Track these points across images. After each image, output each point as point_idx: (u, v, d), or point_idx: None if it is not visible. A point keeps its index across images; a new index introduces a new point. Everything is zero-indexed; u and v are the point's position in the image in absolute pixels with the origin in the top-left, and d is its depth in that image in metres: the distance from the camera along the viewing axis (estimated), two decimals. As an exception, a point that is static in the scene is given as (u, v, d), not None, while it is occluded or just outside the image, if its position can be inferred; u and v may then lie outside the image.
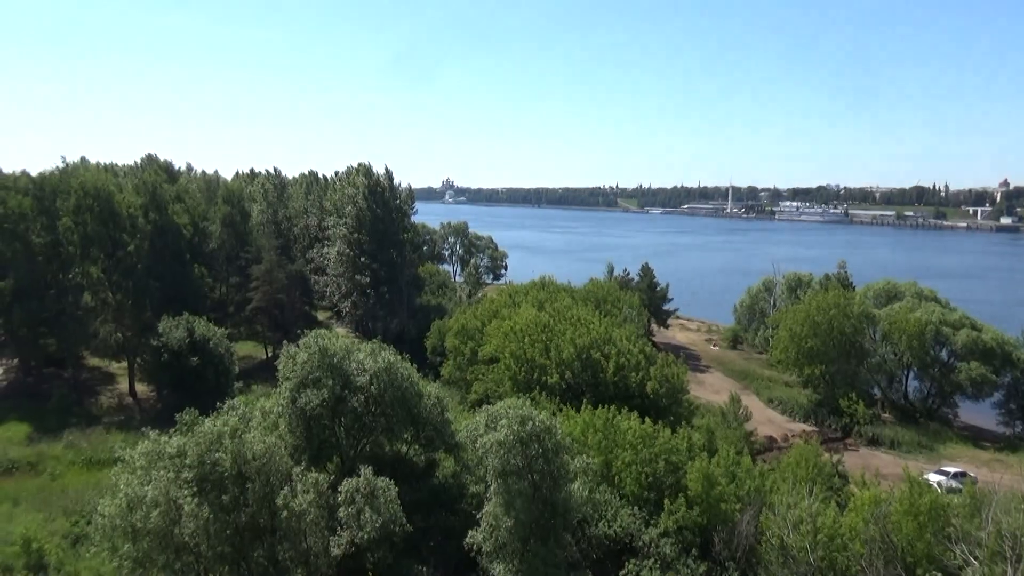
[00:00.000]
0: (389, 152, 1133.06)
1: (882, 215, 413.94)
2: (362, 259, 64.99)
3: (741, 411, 44.14)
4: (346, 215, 67.14)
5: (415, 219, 76.57)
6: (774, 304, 78.12)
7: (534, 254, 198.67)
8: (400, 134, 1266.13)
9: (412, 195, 72.09)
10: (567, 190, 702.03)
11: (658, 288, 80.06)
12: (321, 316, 77.53)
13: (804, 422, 54.06)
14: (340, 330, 69.42)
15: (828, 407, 53.90)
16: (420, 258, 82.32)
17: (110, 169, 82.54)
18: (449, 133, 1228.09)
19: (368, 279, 64.55)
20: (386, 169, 69.29)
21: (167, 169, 77.29)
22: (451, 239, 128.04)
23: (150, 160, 78.68)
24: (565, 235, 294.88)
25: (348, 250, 65.66)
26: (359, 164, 71.38)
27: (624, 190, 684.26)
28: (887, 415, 54.55)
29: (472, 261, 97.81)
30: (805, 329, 54.38)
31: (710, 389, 61.16)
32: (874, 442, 49.37)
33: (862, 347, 54.78)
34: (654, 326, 79.64)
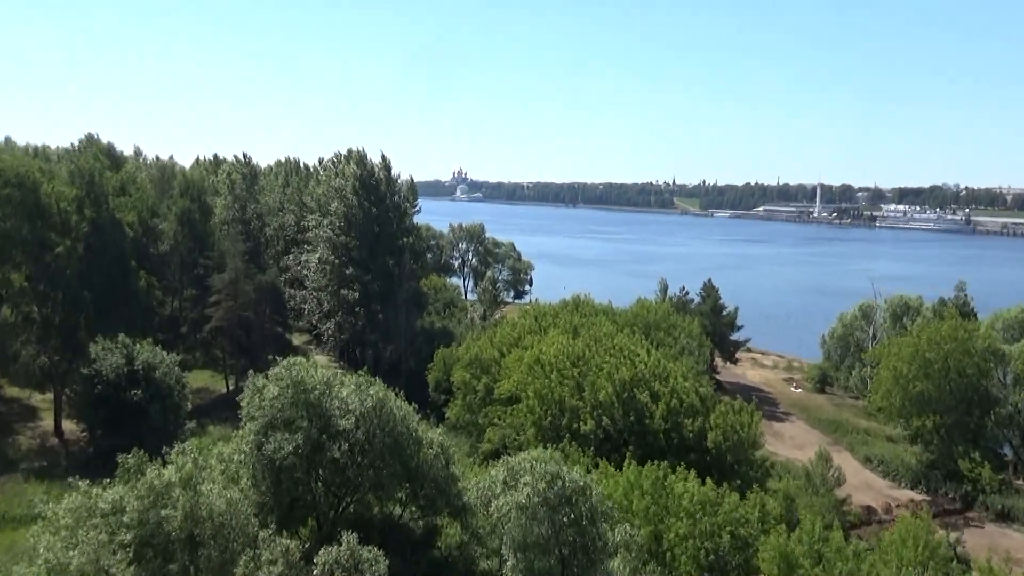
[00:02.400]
0: (386, 137, 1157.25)
1: (1015, 224, 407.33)
2: (350, 269, 65.61)
3: (831, 472, 43.46)
4: (332, 213, 67.90)
5: (418, 219, 77.34)
6: (873, 336, 77.12)
7: (566, 266, 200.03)
8: (401, 115, 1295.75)
9: (415, 189, 72.91)
10: (610, 186, 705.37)
11: (724, 312, 79.67)
12: (297, 340, 78.20)
13: (912, 488, 53.38)
14: (320, 358, 69.94)
15: (943, 470, 53.06)
16: (423, 268, 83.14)
17: (40, 153, 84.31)
18: (461, 115, 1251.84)
19: (357, 294, 65.07)
20: (382, 157, 70.26)
21: (109, 153, 77.99)
22: (463, 245, 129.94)
23: (89, 142, 79.66)
24: (606, 243, 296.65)
25: (333, 257, 66.32)
26: (349, 151, 72.45)
27: (682, 187, 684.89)
28: (1021, 481, 53.51)
29: (488, 274, 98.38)
30: (914, 369, 53.61)
31: (790, 443, 60.34)
32: (1005, 516, 48.60)
33: (988, 393, 53.77)
34: (718, 360, 79.11)
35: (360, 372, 31.96)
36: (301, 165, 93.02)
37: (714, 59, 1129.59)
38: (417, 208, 73.91)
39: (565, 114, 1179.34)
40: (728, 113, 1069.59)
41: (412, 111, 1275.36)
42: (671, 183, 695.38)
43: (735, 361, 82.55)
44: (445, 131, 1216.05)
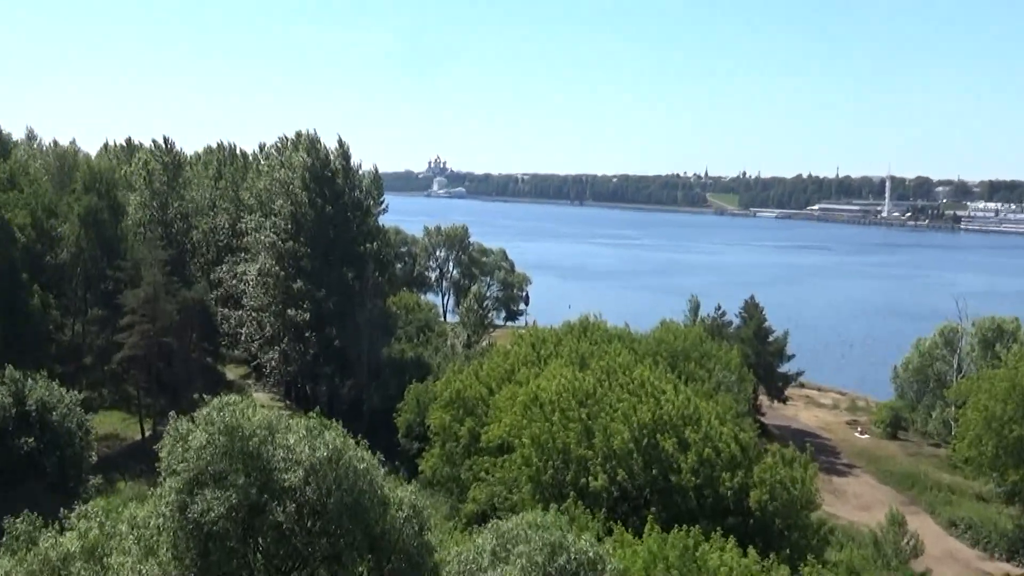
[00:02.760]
0: (345, 119, 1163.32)
1: None
2: (299, 283, 65.82)
3: (906, 540, 43.55)
4: (276, 213, 68.27)
5: (385, 220, 78.01)
6: (959, 368, 77.38)
7: (572, 279, 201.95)
8: (362, 89, 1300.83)
9: (380, 183, 73.99)
10: (626, 179, 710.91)
11: (771, 338, 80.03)
12: (232, 373, 78.17)
13: (1008, 561, 53.63)
14: (261, 396, 69.83)
15: (1048, 537, 53.29)
16: (391, 283, 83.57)
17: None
18: (439, 90, 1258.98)
19: (307, 315, 65.21)
20: (339, 143, 70.87)
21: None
22: (441, 253, 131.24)
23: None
24: (622, 249, 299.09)
25: (277, 268, 66.55)
26: (298, 134, 72.91)
27: (716, 180, 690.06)
28: None
29: (474, 289, 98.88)
30: (1010, 409, 53.86)
31: (855, 503, 60.48)
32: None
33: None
34: (764, 399, 79.34)
35: (311, 414, 31.98)
36: (238, 152, 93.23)
37: (752, 19, 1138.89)
38: (383, 206, 74.53)
39: (569, 90, 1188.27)
40: (773, 87, 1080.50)
41: (377, 85, 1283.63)
42: (702, 175, 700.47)
43: (785, 400, 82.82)
44: (419, 110, 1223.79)
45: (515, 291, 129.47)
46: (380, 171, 75.86)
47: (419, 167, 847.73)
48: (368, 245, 69.24)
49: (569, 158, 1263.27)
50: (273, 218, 68.41)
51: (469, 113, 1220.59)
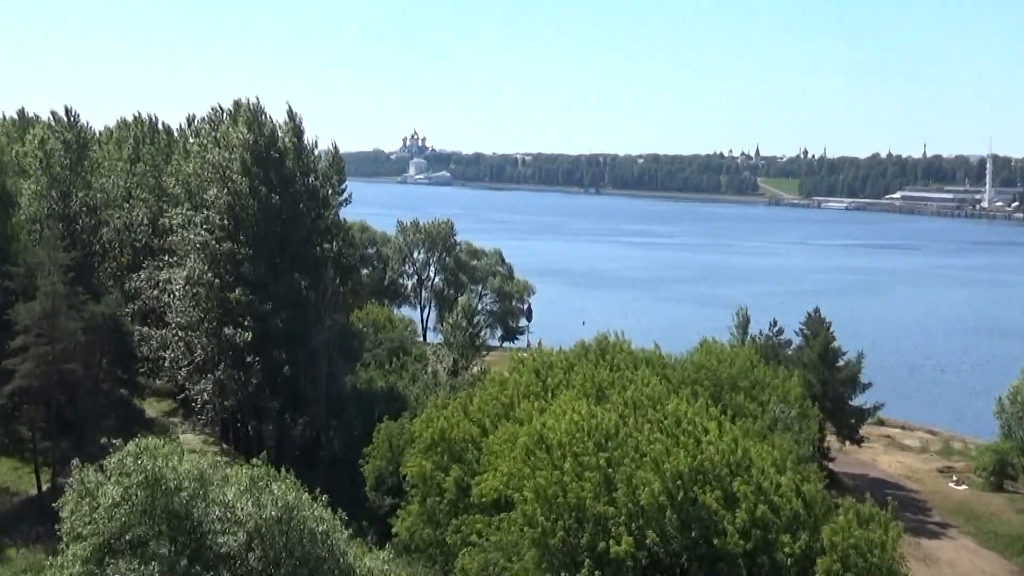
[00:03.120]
0: (297, 84, 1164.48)
1: None
2: (238, 293, 65.67)
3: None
4: (209, 205, 68.21)
5: (348, 213, 78.08)
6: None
7: (587, 288, 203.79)
8: (318, 49, 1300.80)
9: (342, 166, 74.08)
10: (655, 160, 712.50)
11: (841, 362, 79.91)
12: (154, 409, 78.07)
13: None
14: (190, 438, 69.63)
15: None
16: (356, 293, 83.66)
17: None
18: (417, 50, 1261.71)
19: (249, 335, 65.05)
20: (289, 114, 70.89)
21: None
22: (419, 255, 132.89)
23: None
24: (650, 250, 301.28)
25: (211, 275, 66.42)
26: (236, 104, 72.82)
27: (771, 162, 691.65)
28: None
29: (462, 301, 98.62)
30: None
31: (950, 573, 60.25)
32: None
33: None
34: (833, 439, 79.18)
35: (255, 461, 31.82)
36: (160, 127, 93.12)
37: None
38: (346, 195, 74.45)
39: (581, 47, 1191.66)
40: (840, 45, 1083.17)
41: (335, 41, 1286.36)
42: (752, 155, 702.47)
43: (860, 441, 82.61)
44: (390, 73, 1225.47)
45: (514, 303, 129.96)
46: (342, 151, 75.73)
47: (391, 145, 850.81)
48: (326, 245, 69.38)
49: (582, 133, 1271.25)
50: (205, 211, 68.28)
51: (455, 76, 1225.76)
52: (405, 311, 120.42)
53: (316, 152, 72.80)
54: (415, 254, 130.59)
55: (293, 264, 67.75)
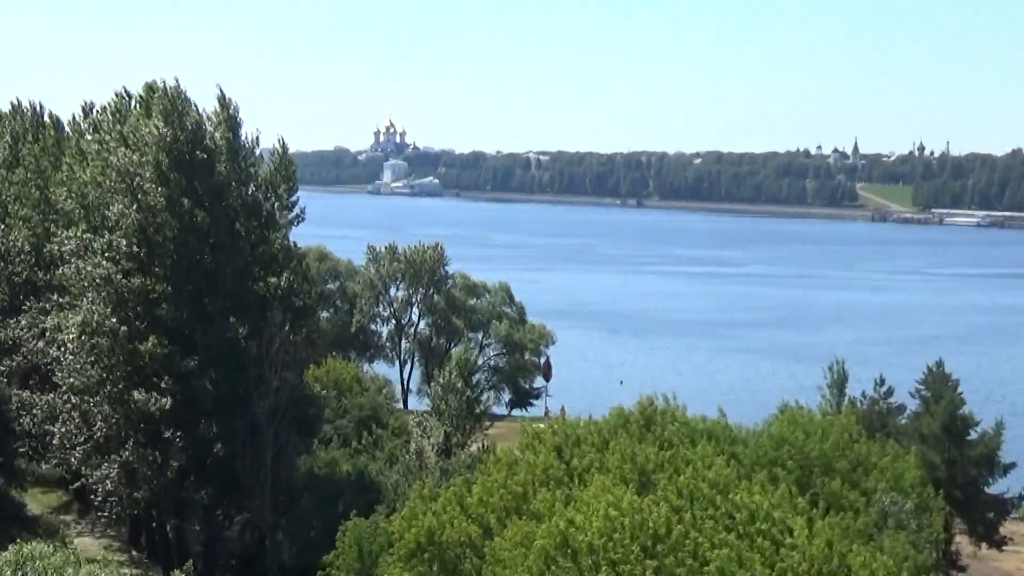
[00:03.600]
0: (231, 65, 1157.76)
1: None
2: (151, 344, 65.87)
3: None
4: (113, 224, 68.24)
5: (300, 235, 78.00)
6: None
7: (626, 335, 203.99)
8: (260, 21, 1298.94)
9: (293, 171, 73.90)
10: (716, 160, 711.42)
11: (974, 435, 79.49)
12: (37, 502, 77.96)
13: None
14: (88, 542, 69.44)
15: None
16: (312, 343, 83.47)
17: None
18: (394, 18, 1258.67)
19: (168, 400, 65.20)
20: (221, 101, 70.95)
21: None
22: (398, 292, 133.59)
23: None
24: (711, 283, 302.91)
25: (115, 320, 66.52)
26: (149, 88, 73.16)
27: (874, 161, 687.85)
28: None
29: (456, 353, 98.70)
30: None
31: None
32: None
33: None
34: (963, 539, 78.71)
35: (177, 574, 32.02)
36: (47, 118, 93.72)
37: None
38: (298, 210, 74.58)
39: (613, 11, 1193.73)
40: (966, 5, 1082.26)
41: (285, 14, 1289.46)
42: (848, 152, 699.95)
43: (1001, 543, 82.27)
44: (356, 47, 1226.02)
45: (527, 357, 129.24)
46: (293, 150, 75.82)
47: (358, 142, 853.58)
48: (272, 279, 68.65)
49: (618, 125, 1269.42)
50: (108, 234, 68.29)
51: (445, 48, 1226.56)
52: (379, 368, 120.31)
53: (257, 152, 72.43)
54: (392, 291, 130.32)
55: (227, 305, 67.54)
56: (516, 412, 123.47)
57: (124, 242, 67.67)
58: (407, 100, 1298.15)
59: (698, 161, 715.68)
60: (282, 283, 69.46)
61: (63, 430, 69.51)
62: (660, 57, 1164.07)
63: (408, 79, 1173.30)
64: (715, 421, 60.64)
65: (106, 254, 67.84)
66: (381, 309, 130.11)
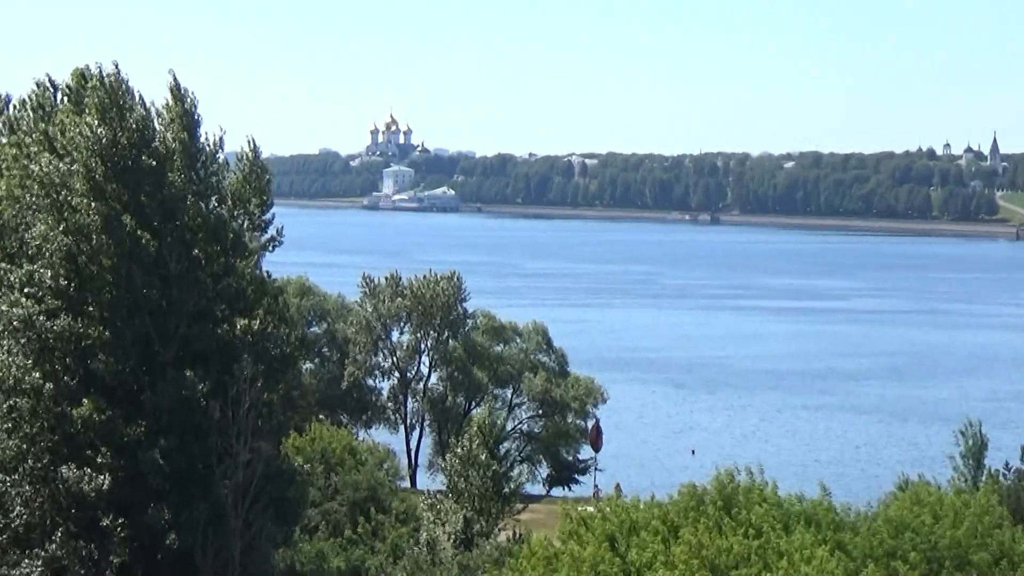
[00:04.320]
0: (183, 45, 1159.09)
1: None
2: (86, 407, 65.95)
3: None
4: (34, 251, 68.38)
5: (277, 263, 77.96)
6: None
7: (697, 391, 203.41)
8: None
9: (268, 179, 73.63)
10: (812, 162, 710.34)
11: None
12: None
13: None
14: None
15: None
16: (293, 403, 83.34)
17: None
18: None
19: (105, 478, 65.28)
20: (174, 89, 71.04)
21: None
22: (403, 336, 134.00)
23: None
24: (808, 322, 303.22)
25: (37, 375, 66.54)
26: (80, 74, 73.37)
27: (1020, 163, 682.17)
28: None
29: (478, 415, 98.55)
30: None
31: None
32: None
33: None
34: None
35: None
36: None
37: None
38: (274, 231, 74.48)
39: None
40: None
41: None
42: (983, 151, 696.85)
43: None
44: (349, 28, 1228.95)
45: (570, 420, 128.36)
46: (268, 153, 75.91)
47: (351, 143, 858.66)
48: (240, 321, 68.89)
49: (684, 120, 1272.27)
50: (27, 263, 68.51)
51: (462, 28, 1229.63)
52: (379, 435, 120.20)
53: (221, 158, 72.52)
54: (395, 335, 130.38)
55: (183, 354, 67.43)
56: (556, 491, 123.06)
57: (49, 273, 67.39)
58: (413, 89, 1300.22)
59: (790, 165, 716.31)
60: (253, 325, 69.07)
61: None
62: (739, 33, 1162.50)
63: (414, 63, 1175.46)
64: (815, 501, 60.33)
65: (25, 289, 67.85)
66: (381, 359, 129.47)
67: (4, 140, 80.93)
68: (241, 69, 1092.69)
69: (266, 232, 72.52)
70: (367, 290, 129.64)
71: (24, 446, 66.93)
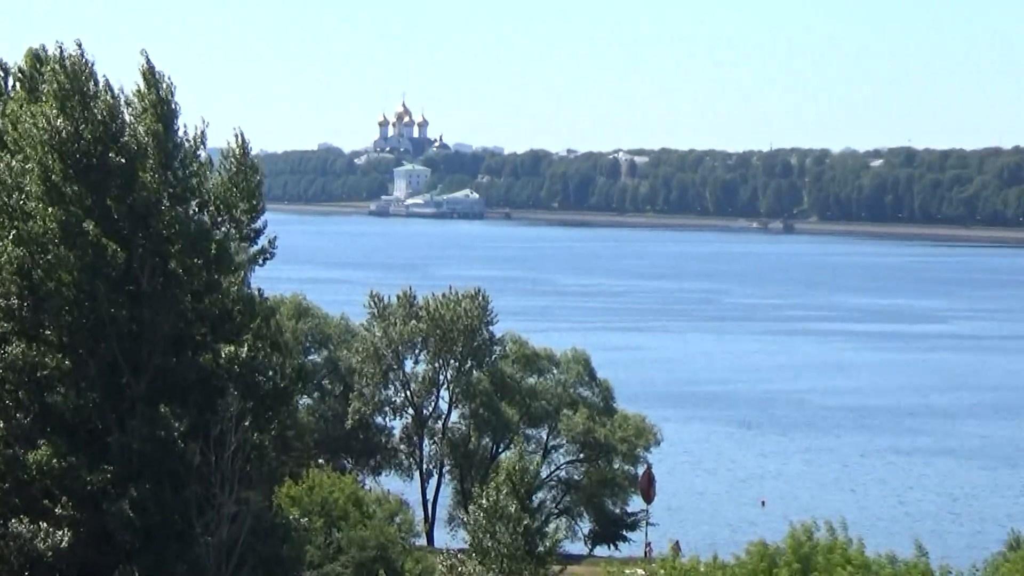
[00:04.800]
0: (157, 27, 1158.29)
1: None
2: (42, 452, 65.87)
3: None
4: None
5: (269, 279, 77.73)
6: None
7: (767, 431, 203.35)
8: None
9: (259, 180, 73.43)
10: (904, 159, 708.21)
11: None
12: None
13: None
14: None
15: None
16: (287, 445, 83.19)
17: None
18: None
19: (64, 535, 65.13)
20: (146, 72, 70.99)
21: None
22: (418, 366, 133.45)
23: None
24: (898, 349, 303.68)
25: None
26: (34, 55, 73.41)
27: None
28: None
29: (508, 461, 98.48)
30: None
31: None
32: None
33: None
34: None
35: None
36: None
37: None
38: (263, 241, 74.34)
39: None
40: None
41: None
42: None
43: None
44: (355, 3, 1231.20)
45: (617, 465, 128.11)
46: (257, 150, 75.34)
47: (357, 138, 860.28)
48: (225, 347, 68.74)
49: (752, 113, 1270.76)
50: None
51: (489, 4, 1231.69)
52: (390, 483, 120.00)
53: (203, 155, 72.37)
54: (409, 364, 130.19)
55: (156, 387, 67.53)
56: (601, 550, 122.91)
57: (-1, 291, 67.74)
58: (429, 72, 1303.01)
59: (877, 163, 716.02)
60: (240, 353, 68.91)
61: None
62: (816, 7, 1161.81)
63: (430, 41, 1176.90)
64: (909, 563, 60.16)
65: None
66: (392, 392, 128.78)
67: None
68: (226, 51, 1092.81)
69: (256, 242, 71.97)
70: (376, 311, 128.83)
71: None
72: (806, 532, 59.39)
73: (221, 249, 69.76)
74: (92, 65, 68.72)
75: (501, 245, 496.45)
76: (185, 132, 70.19)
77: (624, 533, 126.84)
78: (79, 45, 69.10)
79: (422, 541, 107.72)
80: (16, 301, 66.80)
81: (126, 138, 68.21)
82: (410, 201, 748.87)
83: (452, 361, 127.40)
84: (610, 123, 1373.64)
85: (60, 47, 69.34)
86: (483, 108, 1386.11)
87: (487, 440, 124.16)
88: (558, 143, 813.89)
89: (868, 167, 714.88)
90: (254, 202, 71.87)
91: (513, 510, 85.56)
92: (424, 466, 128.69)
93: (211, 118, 73.57)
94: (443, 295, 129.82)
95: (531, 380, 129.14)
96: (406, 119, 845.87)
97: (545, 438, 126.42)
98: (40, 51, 71.44)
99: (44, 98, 68.61)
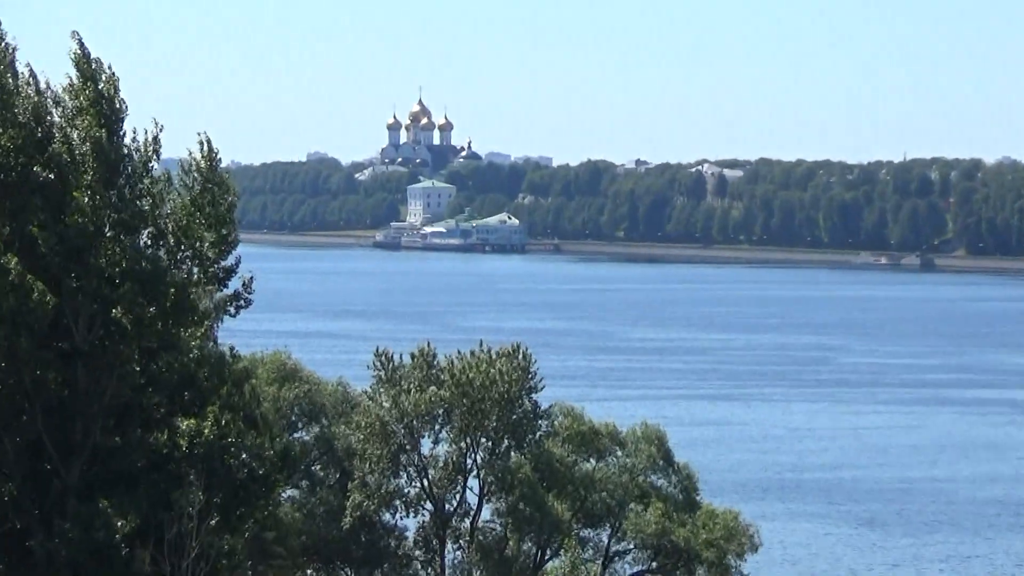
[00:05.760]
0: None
1: None
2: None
3: None
4: None
5: (239, 331, 77.93)
6: None
7: (895, 533, 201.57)
8: None
9: (230, 202, 73.21)
10: None
11: None
12: None
13: None
14: None
15: None
16: (266, 553, 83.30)
17: None
18: None
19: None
20: (80, 59, 70.80)
21: None
22: (440, 447, 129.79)
23: None
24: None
25: None
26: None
27: None
28: None
29: (556, 572, 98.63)
30: None
31: None
32: None
33: None
34: None
35: None
36: None
37: None
38: (237, 283, 74.40)
39: None
40: None
41: None
42: None
43: None
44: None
45: (703, 575, 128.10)
46: (229, 160, 75.51)
47: (360, 146, 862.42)
48: (185, 422, 68.85)
49: (878, 116, 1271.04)
50: None
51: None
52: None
53: (156, 168, 72.51)
54: (426, 444, 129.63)
55: (95, 475, 67.70)
56: None
57: None
58: (453, 65, 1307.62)
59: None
60: (205, 429, 68.99)
61: None
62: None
63: (454, 25, 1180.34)
64: None
65: None
66: (405, 481, 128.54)
67: None
68: (184, 42, 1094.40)
69: (227, 285, 71.67)
70: (383, 374, 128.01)
71: None
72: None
73: (181, 294, 69.04)
74: (13, 51, 68.04)
75: (548, 287, 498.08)
76: (134, 139, 69.11)
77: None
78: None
79: None
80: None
81: (56, 145, 67.66)
82: (429, 229, 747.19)
83: (483, 440, 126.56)
84: (692, 126, 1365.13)
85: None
86: (524, 107, 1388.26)
87: (529, 544, 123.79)
88: (623, 153, 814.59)
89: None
90: (224, 232, 70.88)
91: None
92: (445, 574, 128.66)
93: (168, 122, 73.10)
94: (472, 353, 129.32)
95: (587, 465, 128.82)
96: (423, 121, 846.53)
97: (606, 541, 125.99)
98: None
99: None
